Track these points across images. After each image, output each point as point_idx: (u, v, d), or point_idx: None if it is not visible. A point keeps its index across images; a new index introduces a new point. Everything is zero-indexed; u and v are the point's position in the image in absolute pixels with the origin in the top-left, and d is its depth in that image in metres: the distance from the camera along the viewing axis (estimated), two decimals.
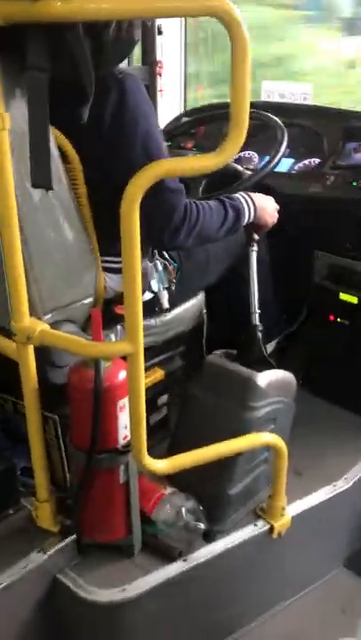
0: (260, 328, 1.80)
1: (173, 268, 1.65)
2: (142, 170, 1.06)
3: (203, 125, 2.32)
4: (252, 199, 1.70)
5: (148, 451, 1.27)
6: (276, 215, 1.82)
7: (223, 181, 1.85)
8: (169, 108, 2.45)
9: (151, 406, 1.78)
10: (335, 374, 2.05)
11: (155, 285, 1.60)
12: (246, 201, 1.68)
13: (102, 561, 1.46)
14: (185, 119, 2.36)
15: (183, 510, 1.47)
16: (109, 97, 1.36)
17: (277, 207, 1.83)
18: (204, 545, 1.50)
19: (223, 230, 1.62)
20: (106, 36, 1.22)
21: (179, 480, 1.52)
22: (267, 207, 1.77)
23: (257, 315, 1.80)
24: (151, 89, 2.41)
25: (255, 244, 1.84)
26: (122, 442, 1.36)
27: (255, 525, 1.59)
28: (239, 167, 1.95)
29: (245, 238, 1.86)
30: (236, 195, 1.69)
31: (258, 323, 1.80)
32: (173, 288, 1.65)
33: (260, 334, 1.79)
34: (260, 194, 1.78)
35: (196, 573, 1.47)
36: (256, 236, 1.84)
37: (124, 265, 1.09)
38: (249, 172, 1.90)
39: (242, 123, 1.03)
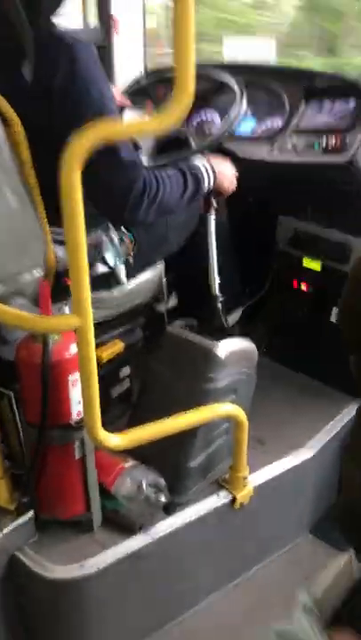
0: (221, 298, 1.76)
1: (130, 241, 1.60)
2: (85, 130, 1.00)
3: (163, 85, 2.24)
4: (211, 165, 1.64)
5: (110, 424, 1.23)
6: (235, 181, 1.77)
7: (179, 146, 1.80)
8: (129, 68, 2.35)
9: (113, 379, 1.75)
10: (298, 341, 2.03)
11: (110, 259, 1.54)
12: (205, 168, 1.62)
13: (61, 537, 1.43)
14: (144, 81, 2.28)
15: (144, 484, 1.45)
16: (58, 64, 1.29)
17: (235, 172, 1.78)
18: (165, 518, 1.49)
19: (184, 200, 1.55)
20: None
21: (139, 452, 1.49)
22: (226, 173, 1.72)
23: (217, 284, 1.77)
24: (108, 49, 2.32)
25: (213, 211, 1.79)
26: (75, 417, 1.32)
27: (217, 496, 1.57)
28: (190, 137, 1.89)
29: (203, 205, 1.80)
30: (196, 162, 1.63)
31: (218, 293, 1.76)
32: (131, 261, 1.60)
33: (220, 305, 1.76)
34: (219, 159, 1.72)
35: (158, 547, 1.45)
36: (214, 203, 1.79)
37: (66, 234, 1.04)
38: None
39: (186, 83, 0.97)
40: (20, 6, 1.06)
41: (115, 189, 1.38)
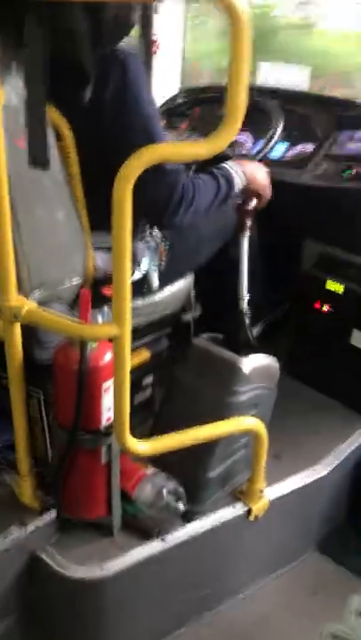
0: (248, 314, 1.81)
1: (164, 248, 1.65)
2: (137, 153, 1.05)
3: (198, 107, 2.31)
4: (240, 166, 1.70)
5: (130, 430, 1.28)
6: (269, 181, 1.82)
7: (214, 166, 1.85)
8: (165, 87, 2.42)
9: (136, 387, 1.79)
10: (317, 361, 2.07)
11: (145, 265, 1.60)
12: (235, 169, 1.68)
13: (82, 539, 1.47)
14: (180, 100, 2.34)
15: (164, 491, 1.49)
16: (111, 76, 1.35)
17: (267, 171, 1.82)
18: (182, 525, 1.53)
19: (217, 201, 1.62)
20: (104, 17, 1.20)
21: (160, 460, 1.54)
22: (257, 174, 1.77)
23: (245, 300, 1.81)
24: (146, 67, 2.38)
25: (247, 230, 1.85)
26: (105, 423, 1.36)
27: (233, 507, 1.61)
28: (230, 154, 1.94)
29: (237, 223, 1.86)
30: (223, 164, 1.69)
31: (245, 308, 1.81)
32: (163, 268, 1.65)
33: (247, 320, 1.80)
34: (250, 163, 1.78)
35: (174, 553, 1.49)
36: (248, 222, 1.84)
37: (114, 249, 1.09)
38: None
39: (238, 112, 1.03)
40: (87, 31, 1.12)
41: (158, 195, 1.45)
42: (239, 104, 1.01)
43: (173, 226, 1.56)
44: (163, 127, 1.55)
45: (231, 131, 1.04)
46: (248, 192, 1.77)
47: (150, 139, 1.35)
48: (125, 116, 1.38)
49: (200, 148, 1.09)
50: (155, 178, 1.39)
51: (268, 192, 1.83)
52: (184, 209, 1.51)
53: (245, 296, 1.82)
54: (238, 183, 1.68)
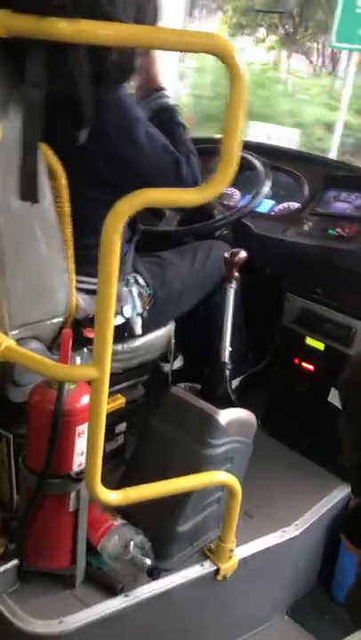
0: (229, 366, 1.79)
1: (148, 295, 1.64)
2: (124, 199, 1.05)
3: None
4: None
5: (100, 479, 1.24)
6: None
7: (199, 215, 1.87)
8: None
9: (108, 434, 1.74)
10: (294, 418, 2.05)
11: (127, 311, 1.59)
12: (164, 96, 1.72)
13: (42, 590, 1.41)
14: None
15: (132, 544, 1.44)
16: (108, 113, 1.37)
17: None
18: (147, 581, 1.47)
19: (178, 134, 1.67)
20: (107, 61, 1.22)
21: (128, 511, 1.49)
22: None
23: (227, 352, 1.80)
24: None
25: (234, 282, 1.85)
26: (76, 469, 1.32)
27: (202, 566, 1.56)
28: (216, 207, 1.97)
29: (225, 274, 1.86)
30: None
31: (227, 360, 1.80)
32: (145, 315, 1.64)
33: (227, 372, 1.79)
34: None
35: (137, 610, 1.43)
36: (236, 273, 1.85)
37: (99, 292, 1.07)
38: (222, 213, 1.93)
39: (232, 161, 1.03)
40: (88, 75, 1.13)
41: (166, 169, 1.54)
42: (234, 152, 1.02)
43: (195, 180, 1.58)
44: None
45: (225, 179, 1.05)
46: None
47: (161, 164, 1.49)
48: (134, 148, 1.45)
49: (192, 195, 1.09)
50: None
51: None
52: (186, 167, 1.56)
53: (228, 348, 1.80)
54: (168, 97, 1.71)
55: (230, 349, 1.80)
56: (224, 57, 0.96)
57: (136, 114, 1.49)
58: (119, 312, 1.57)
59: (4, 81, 1.11)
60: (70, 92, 1.12)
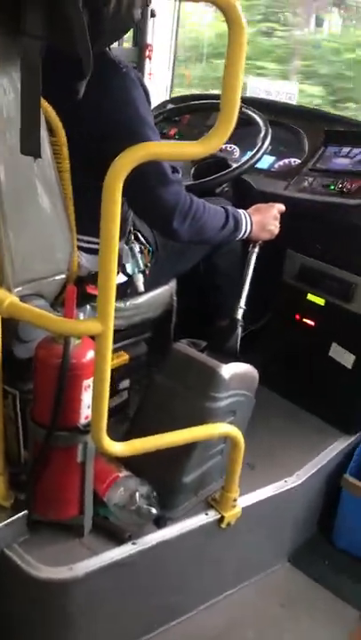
0: (241, 323, 1.81)
1: (148, 252, 1.65)
2: (127, 150, 1.05)
3: (188, 114, 2.32)
4: (251, 219, 1.73)
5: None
6: (274, 229, 1.85)
7: (209, 170, 1.87)
8: (155, 91, 2.43)
9: (112, 390, 1.77)
10: (295, 373, 2.08)
11: (129, 268, 1.60)
12: (246, 218, 1.71)
13: (51, 539, 1.45)
14: (170, 106, 2.36)
15: (137, 494, 1.48)
16: (111, 88, 1.37)
17: (277, 216, 1.85)
18: (154, 530, 1.51)
19: (221, 235, 1.65)
20: (105, 11, 1.20)
21: (134, 464, 1.53)
22: (264, 223, 1.81)
23: (241, 310, 1.82)
24: (139, 71, 2.40)
25: (257, 246, 1.86)
26: (83, 421, 1.35)
27: (206, 514, 1.60)
28: (225, 157, 1.96)
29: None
30: (239, 210, 1.72)
31: (240, 318, 1.82)
32: (147, 272, 1.65)
33: (240, 329, 1.81)
34: (262, 210, 1.81)
35: (144, 558, 1.48)
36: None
37: (101, 245, 1.08)
38: (234, 165, 1.92)
39: (231, 114, 1.04)
40: (87, 25, 1.11)
41: (164, 202, 1.47)
42: (234, 104, 1.02)
43: (177, 235, 1.55)
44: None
45: (224, 131, 1.05)
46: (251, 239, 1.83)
47: None
48: (123, 134, 1.40)
49: (194, 148, 1.09)
50: (159, 183, 1.41)
51: (271, 236, 1.86)
52: (190, 222, 1.52)
53: (243, 307, 1.82)
54: (244, 229, 1.71)
55: (245, 308, 1.82)
56: (223, 6, 0.95)
57: (141, 110, 1.45)
58: (121, 269, 1.58)
59: (2, 35, 1.10)
60: (68, 43, 1.11)
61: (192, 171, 1.92)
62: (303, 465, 1.84)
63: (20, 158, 1.17)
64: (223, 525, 1.61)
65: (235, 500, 1.62)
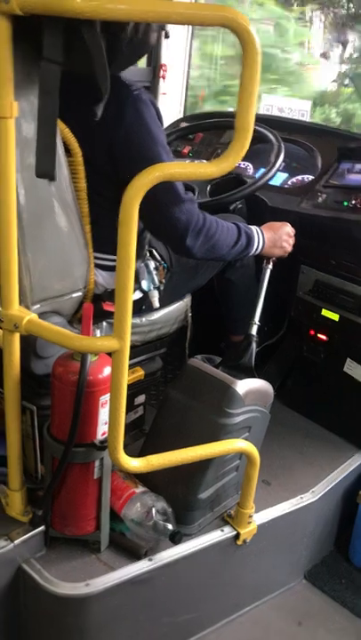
0: (256, 339, 1.82)
1: (163, 269, 1.67)
2: (143, 172, 1.07)
3: (201, 132, 2.35)
4: (263, 235, 1.75)
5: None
6: (287, 246, 1.86)
7: (226, 186, 1.89)
8: (169, 111, 2.47)
9: (128, 405, 1.78)
10: (309, 388, 2.08)
11: (145, 285, 1.62)
12: (258, 235, 1.72)
13: (68, 554, 1.46)
14: (184, 124, 2.38)
15: (153, 510, 1.48)
16: (125, 112, 1.40)
17: (291, 235, 1.86)
18: (170, 546, 1.51)
19: (233, 252, 1.66)
20: (122, 36, 1.23)
21: (150, 480, 1.53)
22: (275, 241, 1.82)
23: (255, 326, 1.83)
24: (153, 91, 2.43)
25: (271, 262, 1.88)
26: (100, 437, 1.36)
27: (222, 531, 1.60)
28: (240, 173, 1.98)
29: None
30: (251, 226, 1.73)
31: (254, 333, 1.83)
32: (162, 289, 1.67)
33: (254, 344, 1.82)
34: (275, 227, 1.82)
35: (160, 574, 1.48)
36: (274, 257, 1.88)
37: (118, 263, 1.11)
38: (249, 180, 1.93)
39: (246, 134, 1.06)
40: (104, 49, 1.14)
41: (177, 220, 1.48)
42: (249, 124, 1.04)
43: (191, 252, 1.56)
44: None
45: (239, 151, 1.07)
46: (264, 255, 1.84)
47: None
48: (136, 157, 1.42)
49: (208, 168, 1.11)
50: (172, 202, 1.43)
51: (284, 254, 1.87)
52: (203, 239, 1.53)
53: (257, 322, 1.83)
54: (256, 245, 1.72)
55: (258, 324, 1.83)
56: (238, 30, 0.97)
57: (156, 129, 1.47)
58: (137, 286, 1.60)
59: (21, 58, 1.13)
60: (86, 68, 1.14)
61: (208, 188, 1.94)
62: (319, 481, 1.84)
63: (39, 179, 1.20)
64: (239, 542, 1.61)
65: (250, 517, 1.61)
